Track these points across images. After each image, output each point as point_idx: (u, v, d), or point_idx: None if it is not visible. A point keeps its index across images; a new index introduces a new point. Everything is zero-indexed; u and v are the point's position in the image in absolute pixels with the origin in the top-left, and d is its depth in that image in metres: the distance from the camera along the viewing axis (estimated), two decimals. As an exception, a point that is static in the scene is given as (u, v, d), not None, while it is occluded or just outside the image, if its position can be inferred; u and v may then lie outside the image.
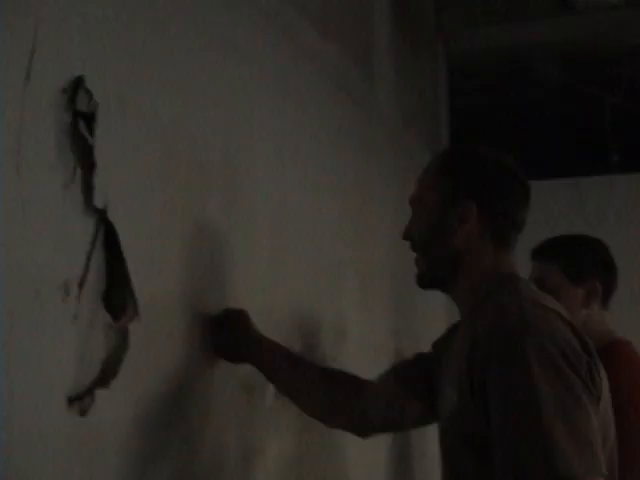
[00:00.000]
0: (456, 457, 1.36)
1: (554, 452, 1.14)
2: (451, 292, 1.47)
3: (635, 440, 1.77)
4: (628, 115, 3.92)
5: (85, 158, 1.11)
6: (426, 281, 1.48)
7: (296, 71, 1.99)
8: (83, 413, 1.10)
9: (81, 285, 1.10)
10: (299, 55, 2.01)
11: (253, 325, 1.54)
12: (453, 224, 1.41)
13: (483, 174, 1.44)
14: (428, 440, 3.33)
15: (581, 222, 4.04)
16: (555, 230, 4.04)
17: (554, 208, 4.18)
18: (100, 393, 1.13)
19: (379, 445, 2.63)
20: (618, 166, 3.91)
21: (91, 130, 1.11)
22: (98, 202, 1.13)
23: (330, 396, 1.58)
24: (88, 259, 1.12)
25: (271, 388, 1.69)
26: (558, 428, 1.16)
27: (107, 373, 1.15)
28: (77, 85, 1.09)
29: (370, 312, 2.58)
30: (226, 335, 1.49)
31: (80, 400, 1.10)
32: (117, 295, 1.18)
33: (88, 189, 1.12)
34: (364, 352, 2.47)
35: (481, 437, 1.24)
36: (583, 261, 2.04)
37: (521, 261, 1.60)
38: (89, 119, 1.10)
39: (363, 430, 1.64)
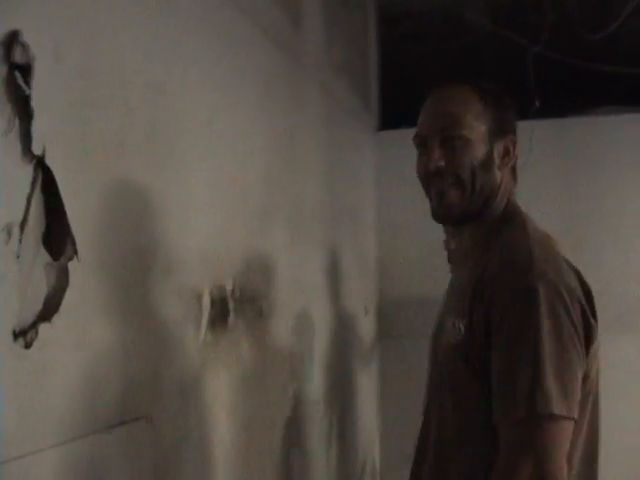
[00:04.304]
0: (459, 381, 1.41)
1: (539, 388, 1.26)
2: (469, 226, 1.49)
3: None
4: (549, 63, 4.06)
5: (22, 108, 1.17)
6: (458, 216, 1.47)
7: (223, 19, 2.03)
8: (28, 346, 1.19)
9: (22, 227, 1.17)
10: (226, 3, 2.05)
11: None
12: (497, 157, 1.44)
13: (510, 108, 1.49)
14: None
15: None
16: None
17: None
18: (43, 327, 1.22)
19: (312, 380, 2.76)
20: (539, 112, 4.05)
21: (28, 82, 1.17)
22: (36, 149, 1.20)
23: None
24: (28, 203, 1.19)
25: (204, 323, 1.80)
26: (548, 369, 1.26)
27: (49, 308, 1.24)
28: (13, 38, 1.14)
29: (301, 252, 2.68)
30: None
31: (24, 334, 1.18)
32: (56, 236, 1.25)
33: (26, 137, 1.18)
34: (295, 290, 2.58)
35: (484, 363, 1.34)
36: None
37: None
38: (25, 71, 1.17)
39: None
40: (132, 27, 1.53)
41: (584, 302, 1.33)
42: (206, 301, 1.84)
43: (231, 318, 1.99)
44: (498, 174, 1.45)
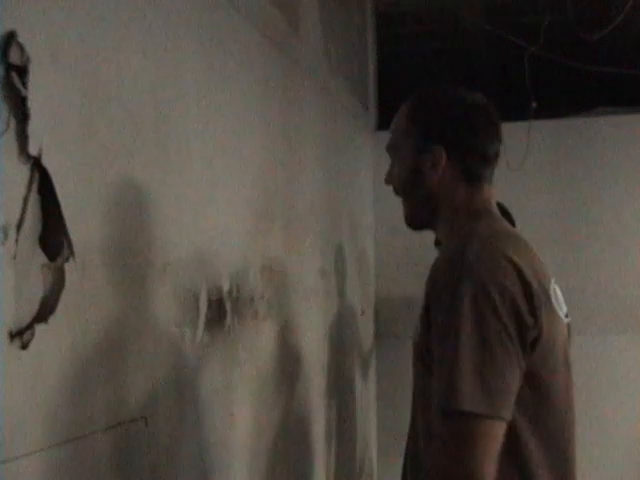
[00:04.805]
0: (418, 378, 1.45)
1: (453, 385, 1.26)
2: (436, 231, 1.54)
3: None
4: (546, 64, 4.08)
5: (19, 109, 1.18)
6: (412, 223, 1.55)
7: (220, 21, 2.04)
8: (24, 347, 1.19)
9: (19, 228, 1.18)
10: (224, 4, 2.06)
11: None
12: (426, 169, 1.47)
13: (449, 116, 1.48)
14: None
15: (503, 164, 4.22)
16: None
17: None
18: (39, 328, 1.22)
19: (310, 380, 2.76)
20: (536, 112, 4.06)
21: (24, 82, 1.17)
22: (32, 150, 1.20)
23: None
24: (25, 203, 1.19)
25: (201, 324, 1.80)
26: (464, 366, 1.26)
27: (45, 309, 1.24)
28: (10, 39, 1.15)
29: (298, 253, 2.69)
30: None
31: (21, 335, 1.19)
32: (53, 237, 1.25)
33: (22, 138, 1.18)
34: (292, 291, 2.58)
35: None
36: None
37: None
38: (22, 72, 1.17)
39: None
40: (128, 28, 1.53)
41: (520, 301, 1.30)
42: (203, 301, 1.84)
43: (228, 319, 1.99)
44: (432, 184, 1.47)
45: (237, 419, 2.05)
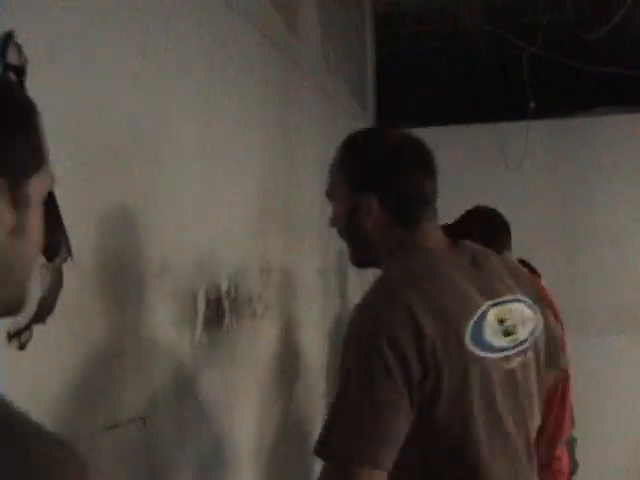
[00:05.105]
0: None
1: (328, 432, 1.34)
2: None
3: None
4: (545, 64, 4.08)
5: (16, 109, 1.18)
6: (356, 263, 1.59)
7: (219, 21, 2.04)
8: (22, 347, 1.19)
9: (17, 228, 1.18)
10: (222, 5, 2.06)
11: None
12: (361, 215, 1.48)
13: (379, 163, 1.47)
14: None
15: (502, 164, 4.22)
16: (480, 171, 4.20)
17: (477, 151, 4.34)
18: (38, 328, 1.21)
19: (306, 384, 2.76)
20: (535, 112, 4.07)
21: (22, 83, 1.17)
22: (30, 151, 1.20)
23: None
24: (23, 204, 1.19)
25: (199, 323, 1.80)
26: (341, 415, 1.33)
27: (44, 310, 1.24)
28: (7, 39, 1.15)
29: (297, 253, 2.69)
30: None
31: (19, 335, 1.18)
32: (51, 237, 1.25)
33: (20, 138, 1.18)
34: (291, 291, 2.58)
35: None
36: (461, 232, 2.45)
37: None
38: (20, 72, 1.17)
39: None
40: (128, 29, 1.53)
41: (409, 348, 1.30)
42: (201, 301, 1.84)
43: (226, 319, 1.99)
44: (367, 229, 1.48)
45: (236, 419, 2.05)
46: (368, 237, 1.49)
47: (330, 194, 1.57)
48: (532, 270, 3.15)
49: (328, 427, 1.33)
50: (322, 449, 1.34)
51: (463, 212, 2.65)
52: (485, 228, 2.54)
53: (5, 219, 0.71)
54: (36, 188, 0.77)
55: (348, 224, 1.51)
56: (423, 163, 1.49)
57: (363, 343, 1.32)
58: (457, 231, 2.59)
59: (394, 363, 1.29)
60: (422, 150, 1.50)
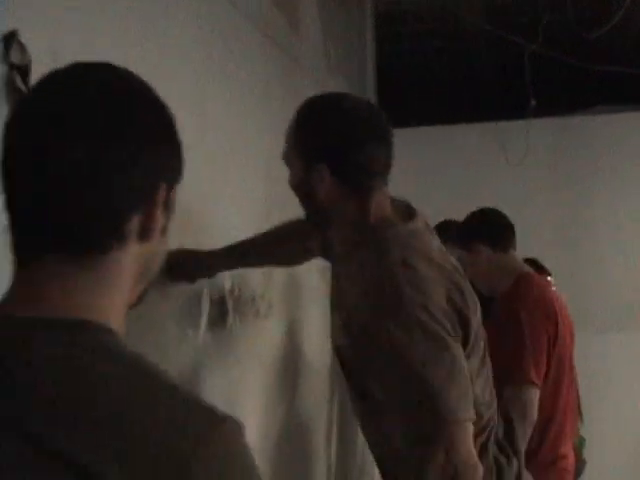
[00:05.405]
0: (358, 384, 1.73)
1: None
2: (328, 237, 1.63)
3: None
4: (545, 62, 4.08)
5: (21, 108, 1.18)
6: (311, 224, 1.64)
7: (220, 19, 2.04)
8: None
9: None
10: (223, 3, 2.06)
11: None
12: (314, 184, 1.50)
13: (329, 132, 1.49)
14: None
15: (503, 162, 4.23)
16: (481, 169, 4.19)
17: (478, 149, 4.34)
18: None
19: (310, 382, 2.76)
20: (536, 111, 4.08)
21: (26, 82, 1.17)
22: (34, 149, 1.20)
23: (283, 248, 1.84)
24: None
25: (203, 323, 1.80)
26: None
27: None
28: (11, 39, 1.15)
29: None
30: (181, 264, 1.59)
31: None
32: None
33: (24, 137, 1.18)
34: (294, 290, 2.59)
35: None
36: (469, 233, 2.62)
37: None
38: (24, 72, 1.17)
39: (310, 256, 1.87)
40: (129, 29, 1.53)
41: (448, 306, 1.48)
42: (205, 300, 1.84)
43: (230, 318, 1.99)
44: (320, 198, 1.51)
45: (239, 417, 2.05)
46: (322, 206, 1.52)
47: (286, 159, 1.59)
48: (541, 269, 3.15)
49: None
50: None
51: (468, 212, 2.69)
52: (491, 229, 2.61)
53: (160, 219, 0.83)
54: (174, 195, 0.86)
55: (302, 191, 1.55)
56: (375, 132, 1.50)
57: (419, 320, 1.41)
58: (464, 232, 2.64)
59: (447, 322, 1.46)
60: (375, 118, 1.51)
